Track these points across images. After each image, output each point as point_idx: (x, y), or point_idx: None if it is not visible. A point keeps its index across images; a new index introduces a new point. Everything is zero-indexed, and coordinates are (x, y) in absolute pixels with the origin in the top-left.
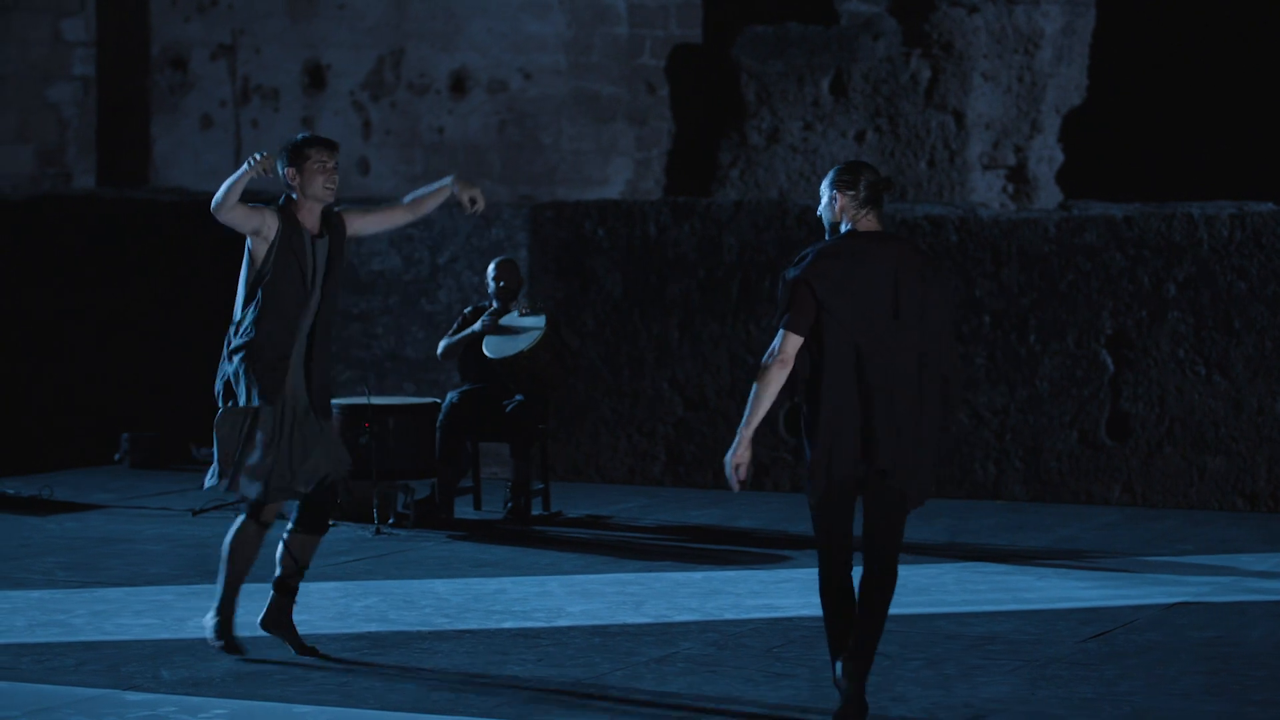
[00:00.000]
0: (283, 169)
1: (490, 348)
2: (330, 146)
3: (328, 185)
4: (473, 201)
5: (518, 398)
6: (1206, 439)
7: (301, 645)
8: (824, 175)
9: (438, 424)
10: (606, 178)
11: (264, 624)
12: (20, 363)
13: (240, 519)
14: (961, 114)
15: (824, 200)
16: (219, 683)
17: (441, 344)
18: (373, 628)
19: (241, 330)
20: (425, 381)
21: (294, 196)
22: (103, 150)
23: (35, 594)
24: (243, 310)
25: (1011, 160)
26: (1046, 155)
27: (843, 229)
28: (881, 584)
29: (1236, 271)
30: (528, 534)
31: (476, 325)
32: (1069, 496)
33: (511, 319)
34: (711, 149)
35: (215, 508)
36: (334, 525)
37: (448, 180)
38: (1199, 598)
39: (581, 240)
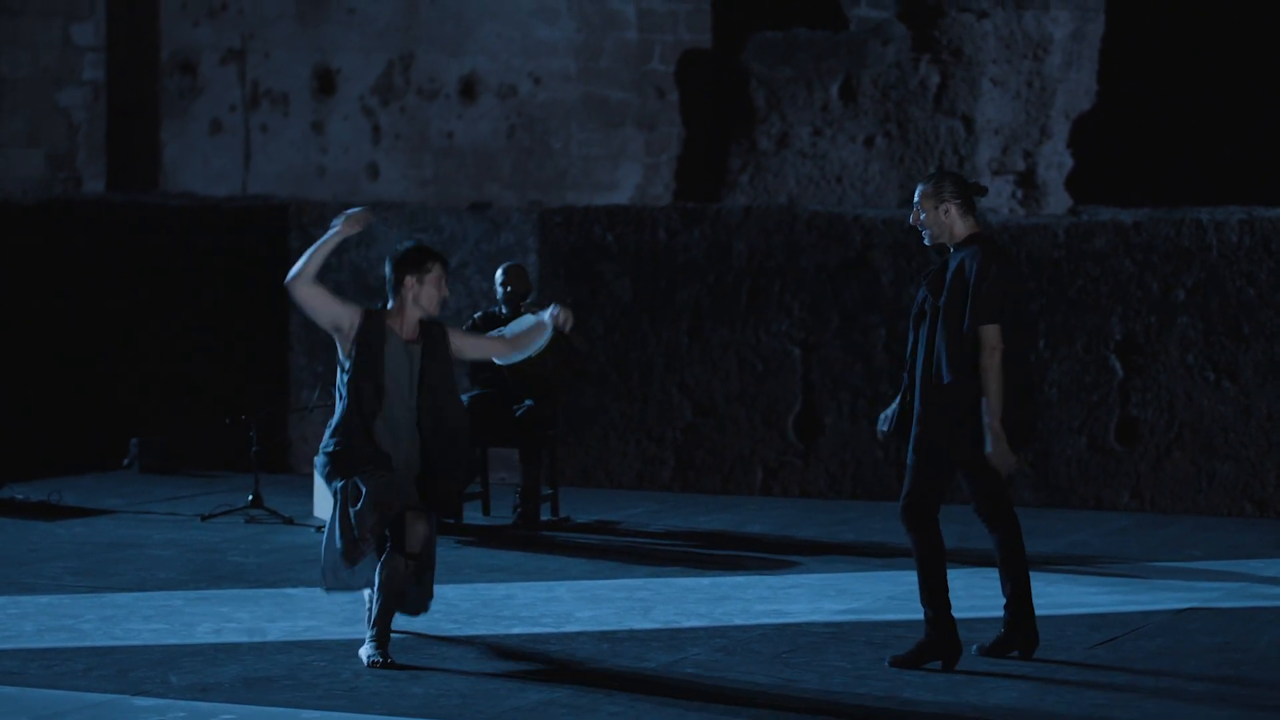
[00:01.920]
0: (390, 273)
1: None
2: (446, 263)
3: (437, 299)
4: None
5: (527, 403)
6: (1215, 445)
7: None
8: (833, 180)
9: None
10: (616, 183)
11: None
12: (29, 367)
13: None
14: (971, 119)
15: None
16: (228, 688)
17: None
18: None
19: (334, 428)
20: None
21: (393, 304)
22: (113, 155)
23: (44, 599)
24: (342, 391)
25: (1021, 165)
26: (1056, 161)
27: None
28: None
29: (1245, 277)
30: (536, 539)
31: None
32: (1078, 502)
33: (523, 322)
34: (721, 154)
35: (224, 513)
36: None
37: (546, 315)
38: (1208, 603)
39: (591, 245)
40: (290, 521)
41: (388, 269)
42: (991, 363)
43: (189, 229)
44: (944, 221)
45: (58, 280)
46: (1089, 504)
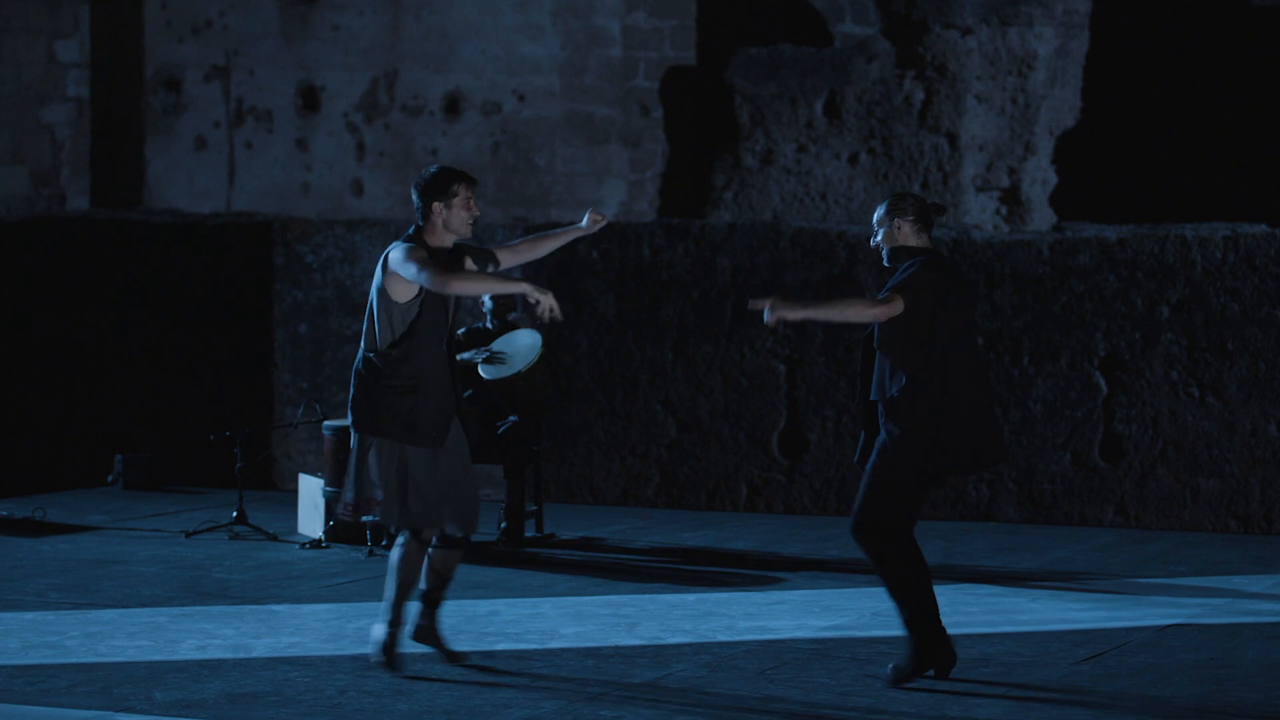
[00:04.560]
0: (417, 200)
1: (486, 369)
2: (473, 182)
3: (468, 221)
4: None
5: (511, 419)
6: (1200, 461)
7: (451, 654)
8: (818, 197)
9: None
10: (600, 199)
11: (414, 636)
12: (13, 384)
13: (402, 538)
14: (955, 136)
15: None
16: (212, 704)
17: None
18: (366, 650)
19: (393, 365)
20: None
21: (424, 225)
22: (97, 172)
23: (28, 616)
24: (390, 345)
25: (1005, 182)
26: (1040, 177)
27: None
28: None
29: (1230, 293)
30: (521, 556)
31: (469, 355)
32: (1062, 518)
33: (508, 339)
34: (705, 171)
35: (209, 529)
36: (326, 547)
37: (581, 224)
38: (1192, 619)
39: (575, 262)
40: (275, 538)
41: (414, 196)
42: (859, 309)
43: (173, 246)
44: (896, 237)
45: (42, 297)
46: (1073, 520)
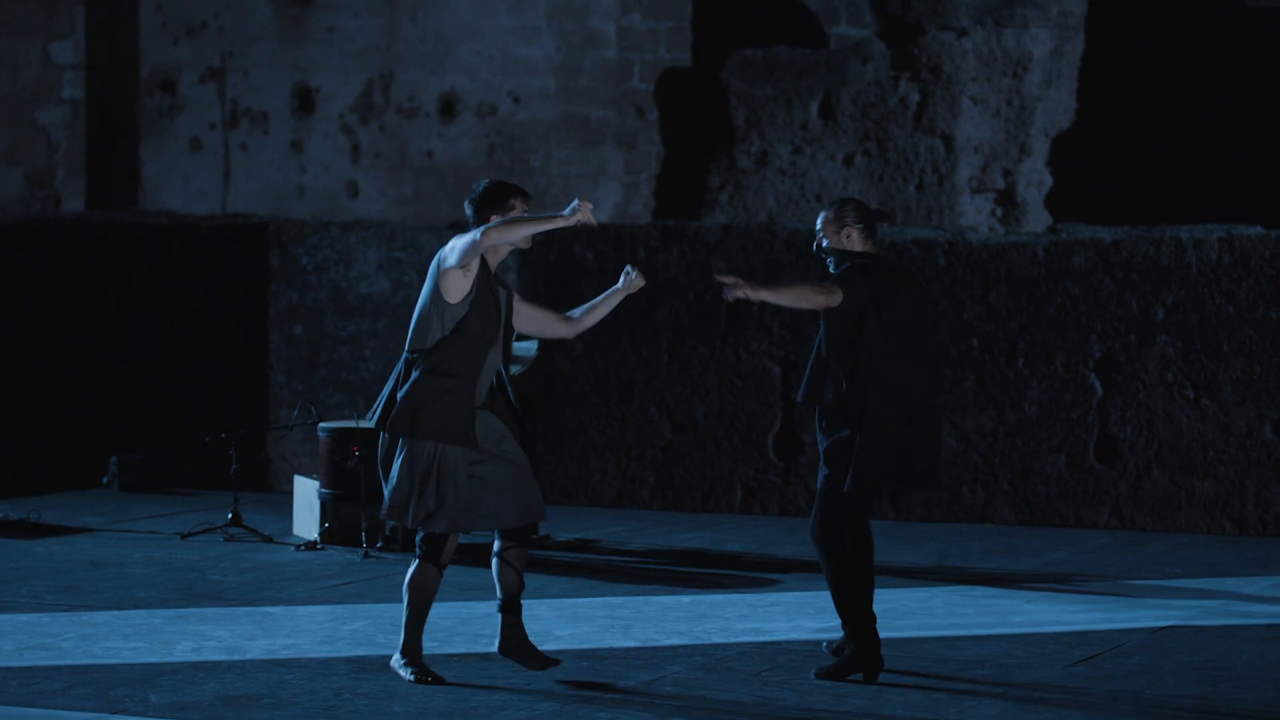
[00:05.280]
0: (472, 213)
1: None
2: (529, 197)
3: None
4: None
5: None
6: (1195, 462)
7: (544, 658)
8: (813, 199)
9: None
10: (595, 201)
11: (502, 650)
12: (8, 386)
13: (419, 562)
14: (950, 137)
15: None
16: (207, 706)
17: None
18: (361, 651)
19: (433, 364)
20: None
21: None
22: (92, 173)
23: (23, 617)
24: (433, 345)
25: (1000, 184)
26: (1035, 179)
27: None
28: None
29: (1225, 295)
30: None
31: None
32: (1057, 520)
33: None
34: (700, 172)
35: (203, 531)
36: (321, 549)
37: (618, 286)
38: (1187, 621)
39: (570, 263)
40: (270, 540)
41: (468, 209)
42: (806, 293)
43: (168, 247)
44: (845, 246)
45: (37, 299)
46: (1068, 522)
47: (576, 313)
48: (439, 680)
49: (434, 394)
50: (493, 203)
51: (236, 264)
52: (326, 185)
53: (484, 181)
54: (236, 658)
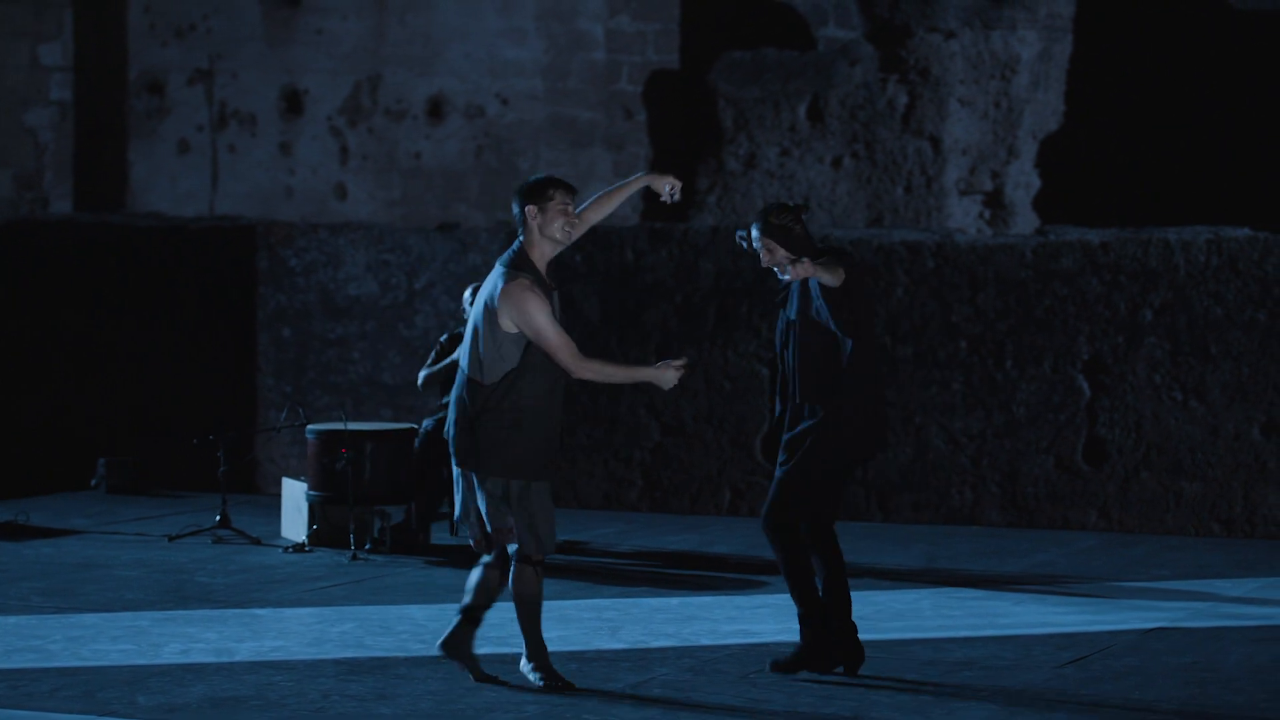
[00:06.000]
0: (516, 209)
1: None
2: (572, 190)
3: (567, 228)
4: (671, 189)
5: None
6: (1183, 464)
7: (480, 672)
8: (801, 201)
9: (414, 449)
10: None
11: (444, 646)
12: None
13: (516, 566)
14: (938, 139)
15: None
16: (195, 708)
17: (421, 374)
18: (349, 654)
19: (497, 398)
20: (402, 407)
21: (524, 238)
22: (80, 175)
23: (11, 620)
24: (503, 376)
25: (988, 186)
26: (1023, 181)
27: None
28: None
29: (1213, 297)
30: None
31: (456, 354)
32: (1045, 522)
33: None
34: (689, 174)
35: (192, 533)
36: (309, 551)
37: (640, 174)
38: (1175, 623)
39: (559, 265)
40: (258, 542)
41: (514, 207)
42: (834, 273)
43: (156, 249)
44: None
45: (24, 301)
46: (1056, 524)
47: (593, 197)
48: (570, 686)
49: (503, 430)
50: (532, 195)
51: (224, 266)
52: (314, 187)
53: (532, 176)
54: (224, 660)
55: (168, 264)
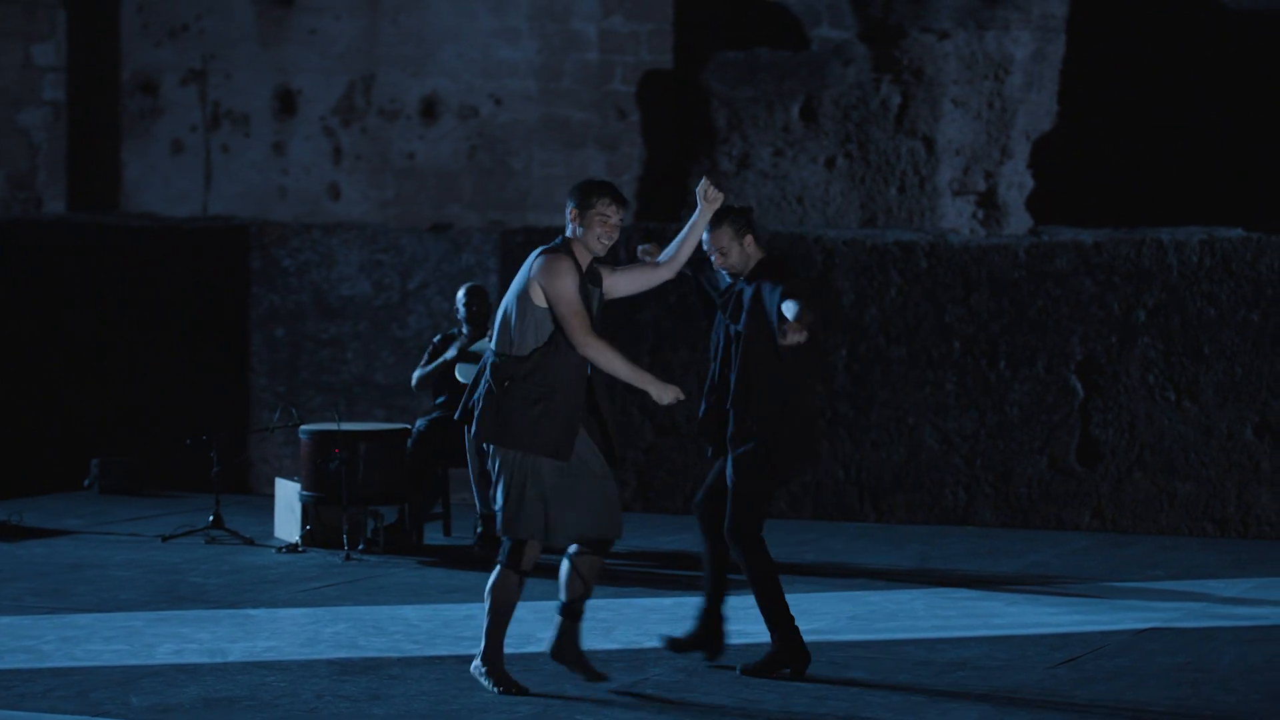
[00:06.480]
0: (568, 208)
1: (464, 374)
2: (620, 201)
3: (603, 239)
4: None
5: None
6: (1176, 465)
7: (593, 672)
8: (794, 201)
9: (407, 450)
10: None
11: (554, 654)
12: None
13: (500, 568)
14: (932, 140)
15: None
16: (188, 709)
17: (415, 374)
18: (342, 654)
19: (528, 372)
20: (395, 407)
21: (568, 235)
22: (73, 175)
23: (4, 620)
24: (530, 351)
25: (981, 186)
26: (1016, 181)
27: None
28: None
29: (1206, 297)
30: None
31: (449, 353)
32: (1039, 522)
33: (484, 345)
34: (682, 175)
35: (185, 534)
36: (303, 551)
37: (700, 208)
38: (1169, 623)
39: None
40: (251, 542)
41: (568, 206)
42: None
43: (150, 250)
44: (749, 254)
45: (17, 301)
46: (1050, 524)
47: (668, 253)
48: (523, 691)
49: (528, 403)
50: (578, 196)
51: (218, 266)
52: (308, 187)
53: (587, 179)
54: (218, 660)
55: (161, 264)
